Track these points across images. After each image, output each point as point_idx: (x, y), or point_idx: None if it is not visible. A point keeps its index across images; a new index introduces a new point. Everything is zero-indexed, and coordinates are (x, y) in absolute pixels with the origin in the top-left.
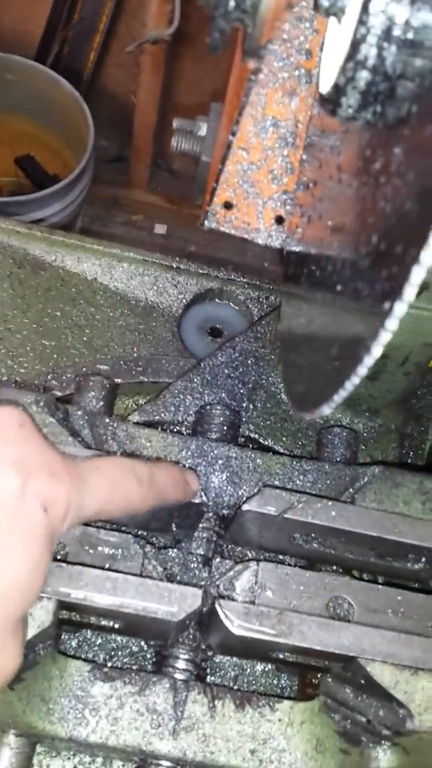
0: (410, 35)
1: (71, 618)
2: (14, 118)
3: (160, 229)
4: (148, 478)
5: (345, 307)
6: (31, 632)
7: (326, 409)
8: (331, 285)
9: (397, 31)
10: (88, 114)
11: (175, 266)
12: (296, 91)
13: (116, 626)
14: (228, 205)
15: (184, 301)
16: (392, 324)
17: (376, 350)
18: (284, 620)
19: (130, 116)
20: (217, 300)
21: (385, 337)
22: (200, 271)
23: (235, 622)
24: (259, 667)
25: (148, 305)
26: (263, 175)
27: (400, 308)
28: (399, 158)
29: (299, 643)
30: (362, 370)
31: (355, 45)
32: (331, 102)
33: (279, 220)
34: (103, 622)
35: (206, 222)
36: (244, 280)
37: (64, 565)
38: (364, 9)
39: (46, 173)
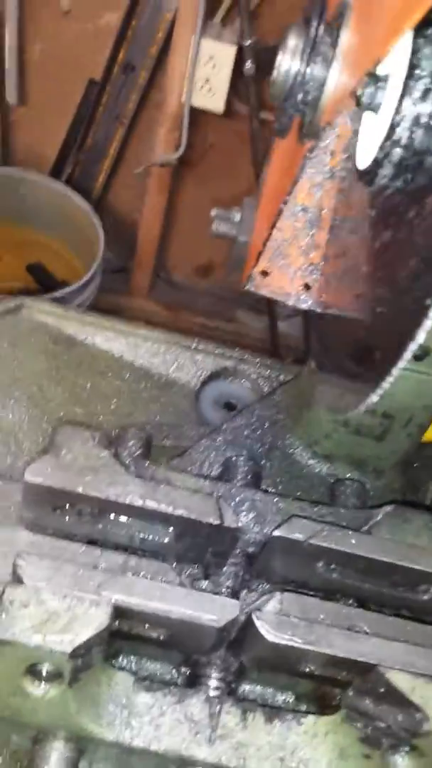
0: None
1: (120, 629)
2: (27, 229)
3: None
4: None
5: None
6: (90, 632)
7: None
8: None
9: (423, 119)
10: (99, 227)
11: (194, 346)
12: (321, 184)
13: (160, 637)
14: (264, 273)
15: (201, 377)
16: None
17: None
18: (313, 630)
19: (134, 231)
20: (231, 377)
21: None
22: (216, 351)
23: (270, 631)
24: (280, 697)
25: (170, 380)
26: (294, 249)
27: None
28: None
29: (327, 650)
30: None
31: (392, 128)
32: (369, 174)
33: (306, 287)
34: (149, 632)
35: (248, 286)
36: (257, 360)
37: (118, 575)
38: (399, 103)
39: (54, 279)
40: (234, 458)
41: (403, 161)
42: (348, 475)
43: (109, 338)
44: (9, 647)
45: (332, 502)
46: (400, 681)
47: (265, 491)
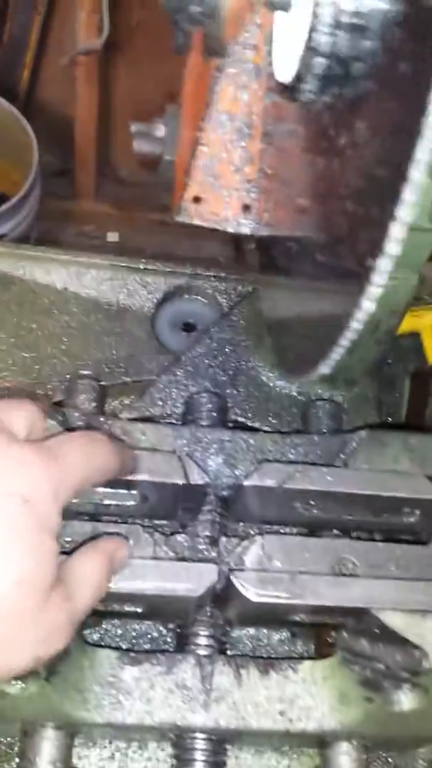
0: (358, 21)
1: (95, 608)
2: None
3: (113, 236)
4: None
5: (330, 277)
6: None
7: (324, 368)
8: (312, 262)
9: (345, 18)
10: (29, 130)
11: (142, 267)
12: (247, 85)
13: (139, 610)
14: (197, 199)
15: (155, 300)
16: (380, 278)
17: (367, 305)
18: (297, 583)
19: (70, 129)
20: (186, 296)
21: (374, 291)
22: (167, 270)
23: (251, 591)
24: (276, 636)
25: (121, 308)
26: (225, 167)
27: (385, 263)
28: (363, 130)
29: (314, 602)
30: (356, 324)
31: (310, 34)
32: (290, 89)
33: (245, 208)
34: (126, 608)
35: (179, 217)
36: (211, 273)
37: None
38: (316, 2)
39: None
40: (196, 396)
41: (327, 72)
42: (319, 393)
43: (49, 270)
44: None
45: (305, 427)
46: (395, 620)
47: (234, 426)
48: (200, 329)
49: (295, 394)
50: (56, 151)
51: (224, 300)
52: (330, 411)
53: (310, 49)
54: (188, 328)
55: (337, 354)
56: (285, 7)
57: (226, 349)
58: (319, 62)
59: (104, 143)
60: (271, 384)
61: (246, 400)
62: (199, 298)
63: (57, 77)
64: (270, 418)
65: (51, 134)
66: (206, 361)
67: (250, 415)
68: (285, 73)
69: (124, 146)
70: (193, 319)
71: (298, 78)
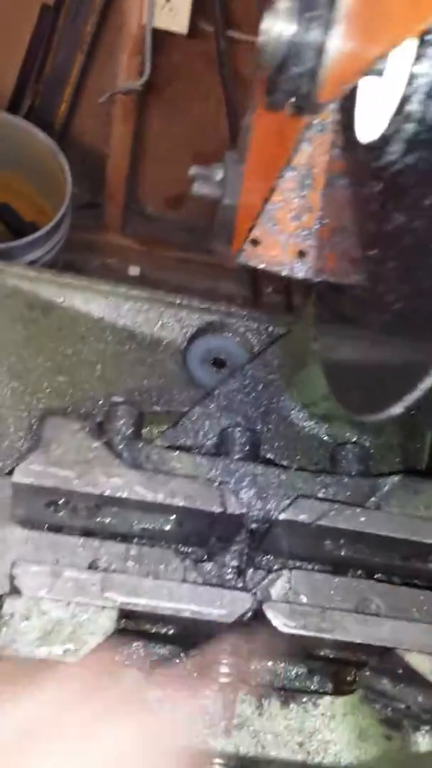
0: None
1: (126, 627)
2: None
3: (134, 270)
4: None
5: (402, 323)
6: (98, 639)
7: (398, 409)
8: (381, 307)
9: None
10: (64, 162)
11: (177, 302)
12: (310, 140)
13: (169, 632)
14: (255, 242)
15: (187, 334)
16: None
17: None
18: (327, 618)
19: (102, 163)
20: (218, 333)
21: None
22: (201, 306)
23: (282, 622)
24: (293, 671)
25: (154, 340)
26: (284, 214)
27: None
28: None
29: (343, 637)
30: None
31: (403, 102)
32: (376, 149)
33: (301, 254)
34: (155, 630)
35: (238, 258)
36: (243, 312)
37: (123, 576)
38: (412, 72)
39: (23, 221)
40: (230, 429)
41: (417, 136)
42: (347, 436)
43: (88, 299)
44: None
45: (334, 469)
46: (420, 662)
47: (266, 461)
48: (232, 366)
49: (323, 436)
50: (85, 184)
51: (255, 339)
52: (358, 455)
53: (403, 116)
54: (218, 363)
55: (413, 396)
56: (379, 73)
57: (259, 387)
58: (409, 128)
59: (134, 179)
60: (300, 424)
61: (275, 438)
62: (231, 335)
63: (93, 113)
64: (298, 457)
65: (82, 167)
66: (239, 397)
67: (279, 452)
68: (368, 134)
69: (152, 183)
70: (223, 355)
71: (384, 140)
